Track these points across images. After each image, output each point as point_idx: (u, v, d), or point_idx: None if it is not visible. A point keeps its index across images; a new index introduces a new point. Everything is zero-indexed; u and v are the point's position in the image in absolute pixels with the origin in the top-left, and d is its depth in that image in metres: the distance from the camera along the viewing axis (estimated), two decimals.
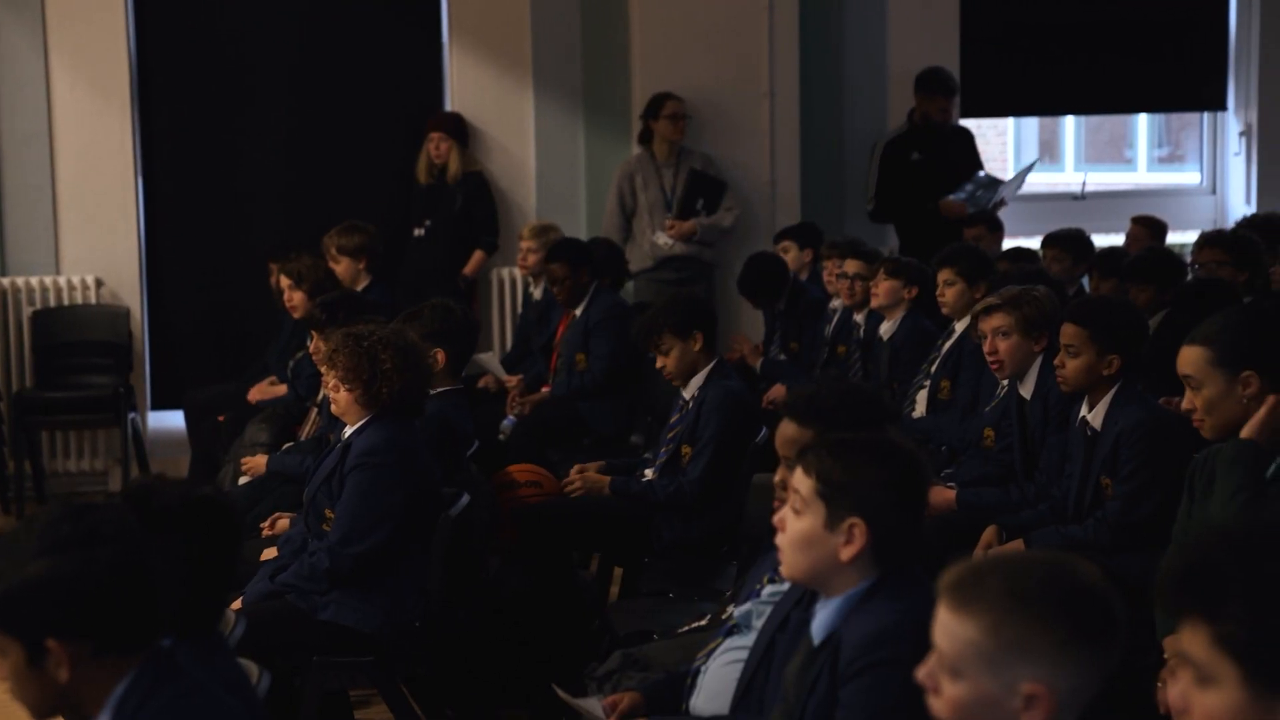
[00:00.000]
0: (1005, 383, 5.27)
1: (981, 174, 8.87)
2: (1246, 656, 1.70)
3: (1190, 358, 3.69)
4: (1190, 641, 1.75)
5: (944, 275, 6.17)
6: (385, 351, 4.51)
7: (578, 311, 7.16)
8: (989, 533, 4.70)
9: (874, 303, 6.77)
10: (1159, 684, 3.32)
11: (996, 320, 5.03)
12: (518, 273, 8.71)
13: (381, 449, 4.46)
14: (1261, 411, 3.59)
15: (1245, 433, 3.58)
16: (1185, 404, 3.72)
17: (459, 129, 8.79)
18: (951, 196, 8.66)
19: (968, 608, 2.07)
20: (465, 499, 4.70)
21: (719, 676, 3.38)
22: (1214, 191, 9.97)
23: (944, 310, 6.23)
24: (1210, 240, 6.85)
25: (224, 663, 2.63)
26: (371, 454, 4.46)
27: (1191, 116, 10.42)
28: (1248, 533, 1.74)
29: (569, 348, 7.14)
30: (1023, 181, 8.96)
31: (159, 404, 8.93)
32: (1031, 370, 5.04)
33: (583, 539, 5.69)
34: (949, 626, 2.09)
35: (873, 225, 9.10)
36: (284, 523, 5.01)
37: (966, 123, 9.20)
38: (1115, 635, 2.07)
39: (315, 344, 5.63)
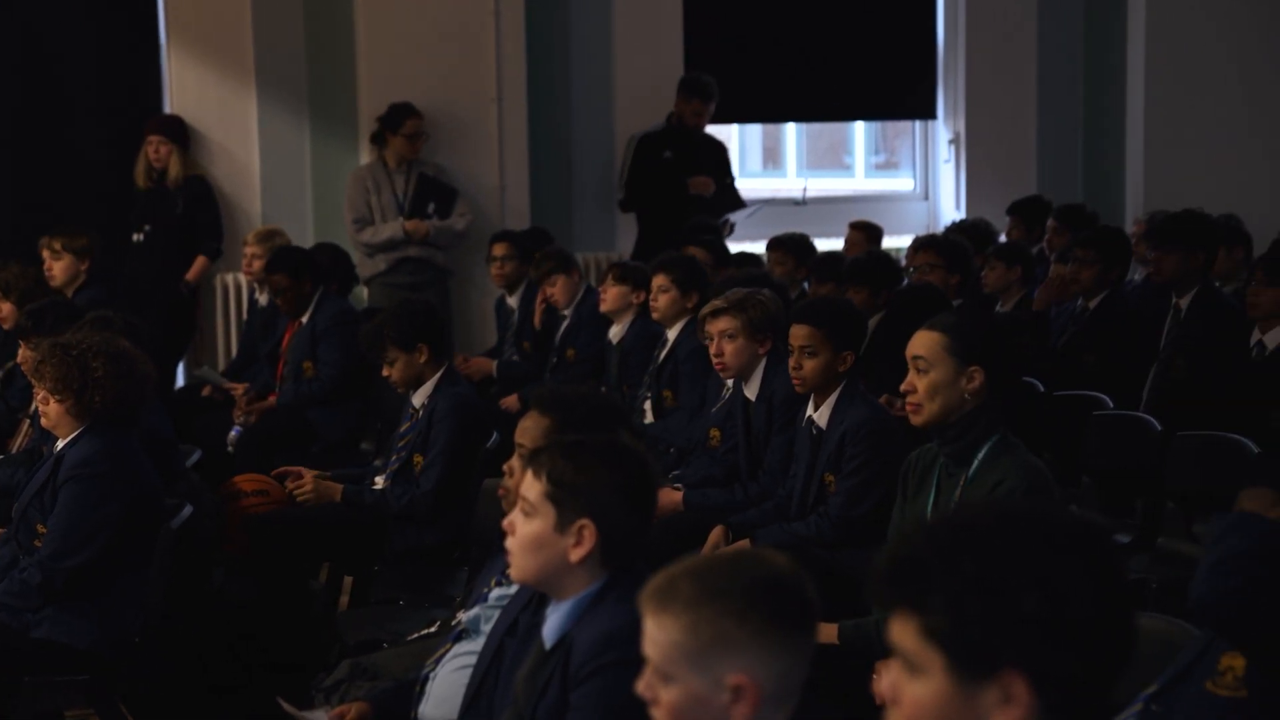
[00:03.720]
0: (730, 384, 5.37)
1: (729, 180, 9.12)
2: (950, 646, 1.77)
3: (925, 341, 3.79)
4: (899, 633, 1.81)
5: (658, 281, 6.24)
6: (96, 360, 4.37)
7: (304, 319, 7.05)
8: (716, 533, 4.77)
9: (602, 307, 6.83)
10: (875, 675, 3.43)
11: (723, 323, 5.11)
12: (243, 278, 8.54)
13: (95, 460, 4.33)
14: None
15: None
16: (906, 385, 3.80)
17: (179, 132, 8.59)
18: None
19: (666, 612, 2.13)
20: (188, 510, 4.59)
21: (448, 682, 3.37)
22: (926, 197, 10.35)
23: (655, 315, 6.30)
24: (923, 244, 7.10)
25: None
26: (85, 465, 4.32)
27: (905, 125, 10.80)
28: (951, 526, 1.82)
29: (295, 355, 7.03)
30: (748, 216, 9.20)
31: None
32: (756, 372, 5.14)
33: (312, 547, 5.60)
34: (653, 634, 2.15)
35: (602, 226, 9.24)
36: None
37: None
38: (809, 618, 2.16)
39: (23, 354, 5.43)
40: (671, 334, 6.20)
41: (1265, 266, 5.70)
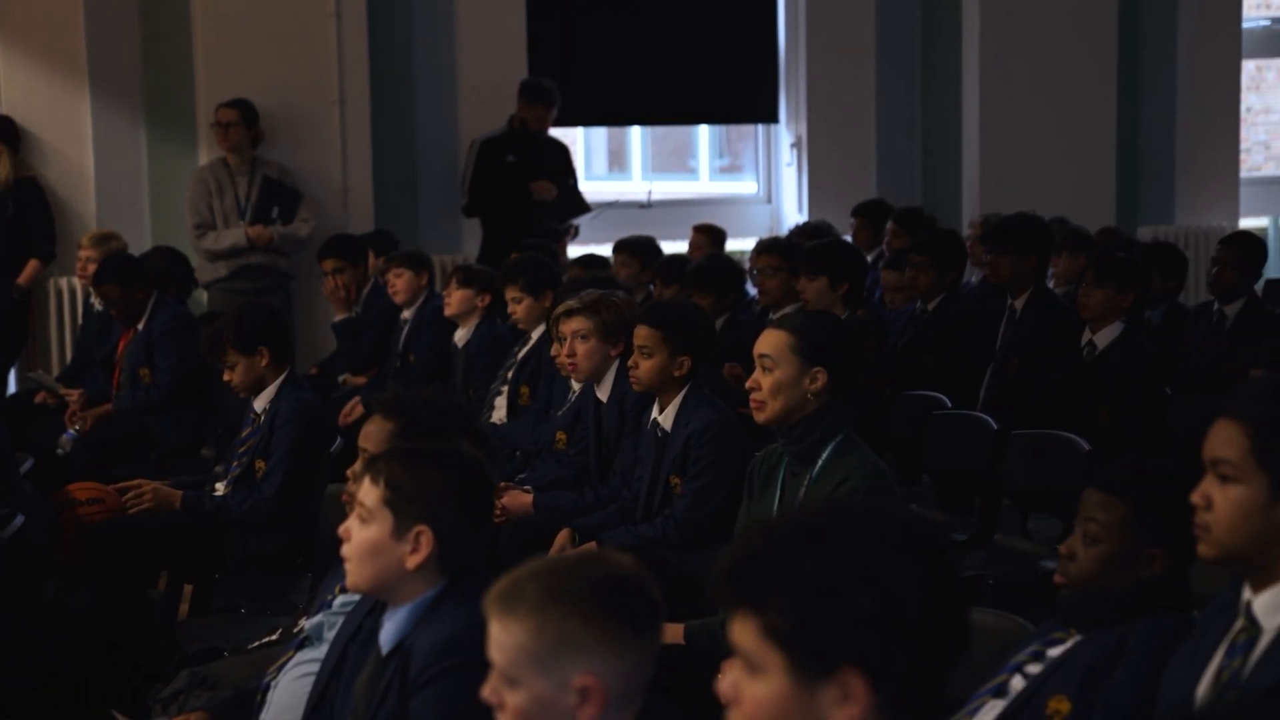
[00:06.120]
0: (577, 387, 5.37)
1: (572, 182, 9.13)
2: (790, 645, 1.79)
3: (772, 340, 3.82)
4: (740, 633, 1.83)
5: (510, 293, 6.23)
6: None
7: (139, 325, 6.91)
8: (563, 535, 4.75)
9: (447, 311, 6.80)
10: (720, 675, 3.45)
11: (576, 324, 5.11)
12: (77, 282, 8.36)
13: None
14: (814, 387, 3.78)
15: None
16: (750, 382, 3.83)
17: (9, 132, 8.38)
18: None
19: (511, 615, 2.13)
20: (19, 519, 4.47)
21: (290, 691, 3.33)
22: (769, 200, 10.45)
23: (520, 326, 6.29)
24: (766, 247, 7.15)
25: None
26: None
27: (748, 129, 10.89)
28: (789, 527, 1.83)
29: (131, 362, 6.88)
30: (593, 218, 9.23)
31: None
32: (609, 374, 5.15)
33: (150, 555, 5.49)
34: (498, 637, 2.15)
35: (447, 228, 9.21)
36: None
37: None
38: (654, 618, 2.17)
39: None
40: (535, 333, 6.17)
41: (1095, 268, 5.84)
